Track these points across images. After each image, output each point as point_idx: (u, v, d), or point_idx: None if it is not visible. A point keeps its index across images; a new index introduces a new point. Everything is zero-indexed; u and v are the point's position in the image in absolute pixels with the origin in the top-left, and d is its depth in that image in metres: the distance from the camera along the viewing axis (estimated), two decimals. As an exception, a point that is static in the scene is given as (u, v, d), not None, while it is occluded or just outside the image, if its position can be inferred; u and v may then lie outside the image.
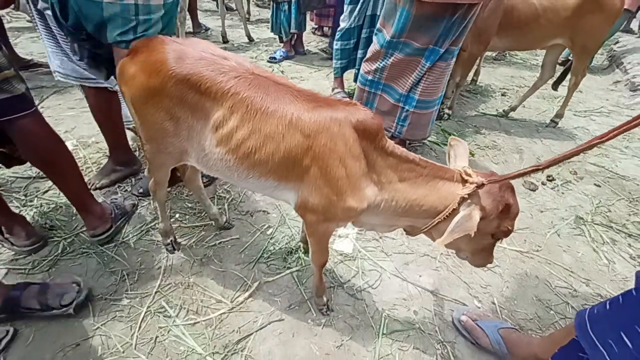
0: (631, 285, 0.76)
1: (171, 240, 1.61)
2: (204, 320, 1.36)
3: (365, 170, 0.96)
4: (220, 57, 0.97)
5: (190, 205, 1.92)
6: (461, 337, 1.39)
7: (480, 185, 0.92)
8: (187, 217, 1.85)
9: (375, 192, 0.99)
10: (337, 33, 2.75)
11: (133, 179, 2.03)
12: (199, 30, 4.84)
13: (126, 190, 1.96)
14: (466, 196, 0.93)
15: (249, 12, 5.78)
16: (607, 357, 0.65)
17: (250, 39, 4.69)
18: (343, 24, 2.68)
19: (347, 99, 1.03)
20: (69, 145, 2.20)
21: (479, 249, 1.08)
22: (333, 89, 3.19)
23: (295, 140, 0.92)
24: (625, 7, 3.81)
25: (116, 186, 1.98)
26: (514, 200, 0.96)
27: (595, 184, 2.40)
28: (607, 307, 0.71)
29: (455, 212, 0.95)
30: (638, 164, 2.70)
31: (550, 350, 1.10)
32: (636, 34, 5.57)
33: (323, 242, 1.18)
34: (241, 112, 0.92)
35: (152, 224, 1.76)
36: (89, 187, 1.90)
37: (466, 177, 0.95)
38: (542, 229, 1.97)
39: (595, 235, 1.95)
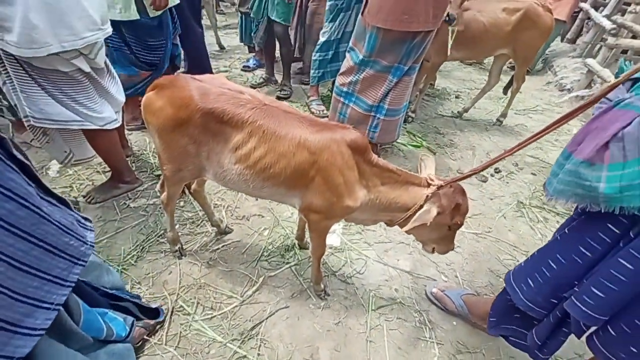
0: None
1: (178, 247, 1.77)
2: (219, 314, 1.55)
3: (357, 178, 1.23)
4: (236, 91, 1.18)
5: (188, 215, 2.07)
6: (433, 305, 1.72)
7: (439, 187, 1.23)
8: (187, 226, 2.00)
9: (365, 193, 1.27)
10: (317, 45, 3.00)
11: (129, 194, 2.13)
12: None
13: (125, 203, 2.06)
14: (430, 195, 1.23)
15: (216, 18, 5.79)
16: (520, 295, 0.98)
17: (222, 47, 4.76)
18: (323, 38, 2.93)
19: (342, 124, 1.29)
20: (54, 162, 2.24)
21: (441, 238, 1.40)
22: (308, 97, 3.44)
23: (303, 157, 1.16)
24: (558, 17, 4.46)
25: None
26: (464, 201, 1.28)
27: (532, 173, 2.89)
28: (523, 264, 1.06)
29: (421, 207, 1.26)
30: (565, 154, 3.26)
31: (498, 305, 1.45)
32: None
33: (322, 236, 1.44)
34: (258, 136, 1.15)
35: (149, 241, 1.87)
36: (88, 199, 1.98)
37: (430, 182, 1.26)
38: (491, 214, 2.39)
39: (532, 216, 2.41)
